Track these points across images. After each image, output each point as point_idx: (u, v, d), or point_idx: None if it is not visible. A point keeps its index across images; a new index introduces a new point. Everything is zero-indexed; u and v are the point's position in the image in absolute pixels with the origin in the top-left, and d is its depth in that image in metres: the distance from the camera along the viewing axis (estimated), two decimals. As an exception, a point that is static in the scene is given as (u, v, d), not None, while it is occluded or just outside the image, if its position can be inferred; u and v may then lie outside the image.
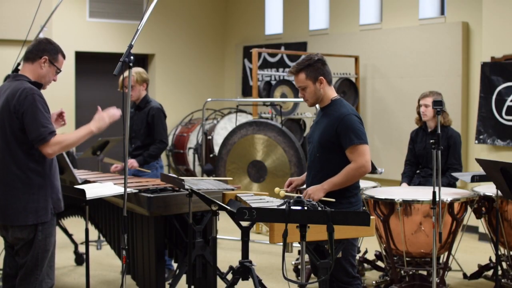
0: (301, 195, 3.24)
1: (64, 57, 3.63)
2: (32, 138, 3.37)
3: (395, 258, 4.81)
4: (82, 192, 3.88)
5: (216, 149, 8.20)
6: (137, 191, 4.15)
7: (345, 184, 3.65)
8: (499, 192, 4.33)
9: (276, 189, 3.92)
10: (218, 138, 8.49)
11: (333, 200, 3.63)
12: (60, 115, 3.80)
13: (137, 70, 5.33)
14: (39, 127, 3.36)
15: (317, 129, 3.80)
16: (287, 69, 9.24)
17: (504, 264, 4.85)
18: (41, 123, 3.37)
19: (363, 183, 5.05)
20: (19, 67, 3.68)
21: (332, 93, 3.80)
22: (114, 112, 3.70)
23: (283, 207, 2.63)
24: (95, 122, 3.64)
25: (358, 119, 3.72)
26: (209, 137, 8.51)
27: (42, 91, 3.52)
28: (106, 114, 3.67)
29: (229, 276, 4.01)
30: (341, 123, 3.64)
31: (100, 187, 4.20)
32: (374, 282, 5.01)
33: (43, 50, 3.52)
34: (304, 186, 4.03)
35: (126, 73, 4.88)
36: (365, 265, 5.31)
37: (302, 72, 3.74)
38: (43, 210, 3.43)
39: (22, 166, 3.40)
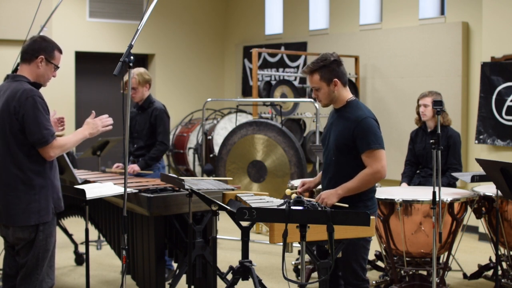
0: (301, 196, 3.24)
1: (60, 52, 3.60)
2: (34, 140, 3.37)
3: (395, 258, 4.81)
4: (82, 192, 3.88)
5: (216, 149, 8.21)
6: (137, 191, 4.16)
7: (359, 190, 3.57)
8: (499, 192, 4.32)
9: (287, 191, 3.90)
10: (218, 138, 8.49)
11: (347, 206, 3.55)
12: (60, 121, 3.80)
13: (139, 71, 5.29)
14: (42, 130, 3.36)
15: (333, 131, 3.67)
16: (287, 69, 9.25)
17: (504, 264, 4.85)
18: (44, 125, 3.37)
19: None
20: (19, 67, 3.67)
21: (347, 94, 3.70)
22: (107, 122, 3.70)
23: (283, 207, 2.63)
24: (89, 128, 3.65)
25: (376, 122, 3.61)
26: (209, 137, 8.52)
27: (42, 90, 3.51)
28: (100, 121, 3.68)
29: (229, 276, 4.01)
30: (358, 126, 3.53)
31: (100, 187, 4.20)
32: (374, 282, 5.01)
33: (39, 49, 3.50)
34: (318, 187, 3.99)
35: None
36: (365, 265, 5.30)
37: (316, 73, 3.63)
38: (45, 210, 3.44)
39: (22, 167, 3.40)
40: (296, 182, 5.19)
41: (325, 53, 3.69)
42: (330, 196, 3.56)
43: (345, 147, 3.59)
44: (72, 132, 3.67)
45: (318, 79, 3.63)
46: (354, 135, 3.55)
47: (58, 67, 3.59)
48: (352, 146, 3.57)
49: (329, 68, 3.63)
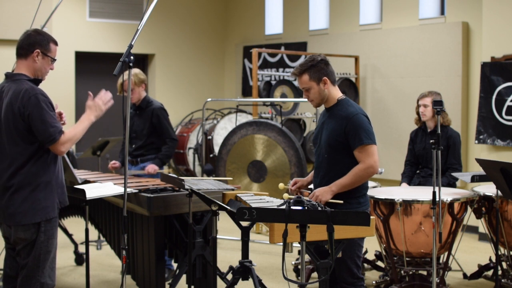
0: (301, 196, 3.23)
1: (56, 44, 3.57)
2: (42, 139, 3.37)
3: (395, 258, 4.81)
4: (82, 192, 3.88)
5: (216, 149, 8.20)
6: (137, 191, 4.16)
7: (353, 185, 3.62)
8: (499, 192, 4.33)
9: (280, 185, 3.92)
10: (218, 138, 8.49)
11: (341, 202, 3.60)
12: (59, 115, 3.79)
13: (133, 72, 5.26)
14: (48, 128, 3.36)
15: (325, 129, 3.74)
16: (287, 69, 9.24)
17: (504, 264, 4.85)
18: (49, 123, 3.37)
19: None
20: (16, 63, 3.64)
21: (337, 93, 3.77)
22: (107, 97, 3.68)
23: (283, 207, 2.63)
24: (92, 111, 3.63)
25: (367, 118, 3.69)
26: (209, 137, 8.52)
27: (44, 88, 3.50)
28: (100, 101, 3.66)
29: (229, 276, 4.01)
30: (349, 123, 3.61)
31: (100, 187, 4.20)
32: (374, 282, 5.01)
33: (34, 43, 3.47)
34: (311, 186, 4.01)
35: (124, 77, 4.90)
36: (365, 265, 5.31)
37: (306, 74, 3.69)
38: (50, 207, 3.45)
39: (30, 166, 3.40)
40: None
41: (312, 55, 3.78)
42: (324, 194, 3.61)
43: (338, 144, 3.65)
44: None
45: (308, 79, 3.71)
46: (346, 131, 3.62)
47: (55, 60, 3.56)
48: (344, 143, 3.63)
49: (317, 67, 3.69)
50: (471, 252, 6.28)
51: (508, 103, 6.45)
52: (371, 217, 2.93)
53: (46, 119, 3.36)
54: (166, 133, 5.38)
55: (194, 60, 10.27)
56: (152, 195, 4.06)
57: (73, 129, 3.51)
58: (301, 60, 8.94)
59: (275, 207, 2.79)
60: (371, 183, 5.22)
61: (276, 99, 7.68)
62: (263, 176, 7.13)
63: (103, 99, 3.68)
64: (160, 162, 5.35)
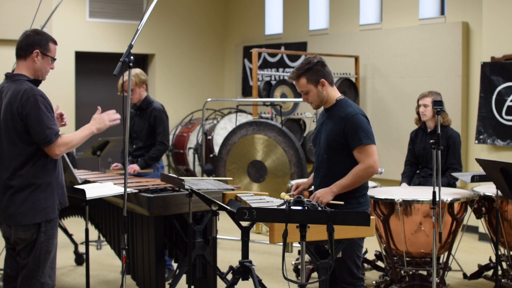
0: (301, 196, 3.23)
1: (55, 43, 3.55)
2: (38, 140, 3.37)
3: (395, 258, 4.81)
4: (82, 192, 3.88)
5: (216, 149, 8.21)
6: (137, 191, 4.16)
7: (353, 186, 3.62)
8: (499, 192, 4.32)
9: (282, 194, 3.91)
10: (218, 138, 8.49)
11: (342, 203, 3.60)
12: (60, 116, 3.79)
13: (135, 72, 5.26)
14: (44, 129, 3.36)
15: (324, 130, 3.74)
16: (287, 69, 9.24)
17: (504, 264, 4.85)
18: (46, 125, 3.36)
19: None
20: (16, 64, 3.64)
21: (335, 93, 3.76)
22: (114, 116, 3.70)
23: (283, 207, 2.63)
24: (96, 123, 3.64)
25: (366, 118, 3.68)
26: (209, 137, 8.52)
27: (43, 89, 3.50)
28: (107, 116, 3.67)
29: (229, 276, 4.01)
30: (348, 123, 3.60)
31: (100, 187, 4.20)
32: (374, 282, 5.01)
33: (33, 44, 3.46)
34: (311, 188, 4.01)
35: (125, 77, 4.89)
36: (365, 265, 5.31)
37: (303, 77, 3.69)
38: (51, 208, 3.45)
39: (29, 167, 3.40)
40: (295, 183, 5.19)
41: (308, 57, 3.76)
42: (324, 195, 3.62)
43: (337, 144, 3.65)
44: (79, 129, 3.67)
45: (305, 82, 3.71)
46: (345, 132, 3.61)
47: (55, 59, 3.56)
48: (344, 143, 3.63)
49: (314, 69, 3.69)
50: (471, 252, 6.28)
51: (508, 103, 6.45)
52: (371, 217, 2.93)
53: (43, 121, 3.36)
54: (159, 135, 5.31)
55: (194, 60, 10.27)
56: (152, 195, 4.06)
57: (72, 135, 3.52)
58: (301, 60, 8.97)
59: (275, 207, 2.79)
60: (371, 183, 5.22)
61: (276, 99, 7.68)
62: (263, 176, 7.13)
63: (110, 116, 3.68)
64: (144, 163, 5.29)
